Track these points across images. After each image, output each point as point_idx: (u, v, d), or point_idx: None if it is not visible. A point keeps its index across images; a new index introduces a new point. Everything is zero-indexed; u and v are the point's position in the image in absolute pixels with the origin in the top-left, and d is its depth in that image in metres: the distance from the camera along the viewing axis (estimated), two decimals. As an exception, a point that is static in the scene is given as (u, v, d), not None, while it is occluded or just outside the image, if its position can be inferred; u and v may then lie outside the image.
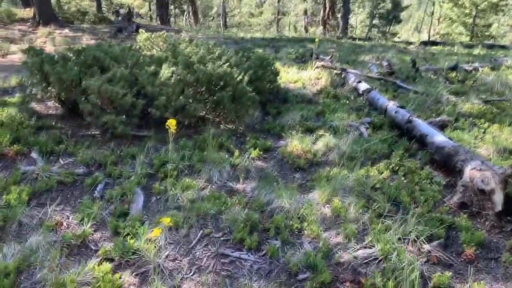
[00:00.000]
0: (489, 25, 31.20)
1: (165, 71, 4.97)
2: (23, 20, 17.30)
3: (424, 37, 29.78)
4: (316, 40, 9.96)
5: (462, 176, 3.85)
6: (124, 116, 4.89)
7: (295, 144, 5.05)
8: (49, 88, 5.52)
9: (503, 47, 18.14)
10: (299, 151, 4.94)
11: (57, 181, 4.13)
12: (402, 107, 5.78)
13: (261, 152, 4.96)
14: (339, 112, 6.10)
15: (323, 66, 8.65)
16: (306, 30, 32.62)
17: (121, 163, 4.63)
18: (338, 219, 3.71)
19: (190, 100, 5.31)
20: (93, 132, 5.26)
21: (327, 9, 28.09)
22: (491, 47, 17.60)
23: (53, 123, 5.48)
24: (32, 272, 2.97)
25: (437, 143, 4.51)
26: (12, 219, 3.48)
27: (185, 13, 38.69)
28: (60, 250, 3.16)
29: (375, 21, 31.53)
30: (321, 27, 29.30)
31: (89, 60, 5.18)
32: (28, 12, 17.74)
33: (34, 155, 4.62)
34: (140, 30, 7.00)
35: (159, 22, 23.49)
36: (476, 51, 14.43)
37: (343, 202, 3.87)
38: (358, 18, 39.99)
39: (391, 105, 5.94)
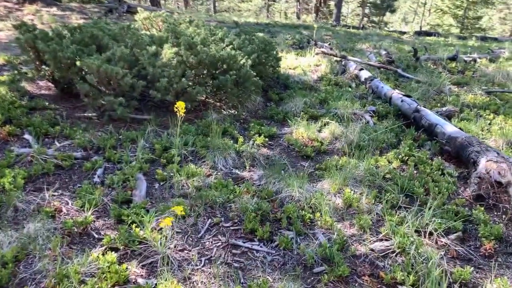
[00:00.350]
0: (479, 18, 31.35)
1: (168, 52, 4.74)
2: (8, -3, 16.65)
3: (412, 27, 29.71)
4: (315, 26, 9.76)
5: (477, 167, 3.76)
6: (122, 98, 4.65)
7: (300, 131, 4.90)
8: (43, 66, 5.24)
9: (495, 39, 18.23)
10: (305, 139, 4.79)
11: (54, 165, 3.90)
12: (408, 96, 5.67)
13: (266, 139, 4.79)
14: (343, 100, 5.95)
15: (323, 52, 8.48)
16: (298, 17, 32.28)
17: (120, 147, 4.42)
18: (350, 209, 3.59)
19: (191, 83, 5.10)
20: (89, 114, 5.02)
21: (320, -4, 27.83)
22: (483, 39, 17.67)
23: (46, 103, 5.21)
24: (31, 262, 2.77)
25: (448, 133, 4.41)
26: (7, 204, 3.26)
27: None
28: (61, 238, 2.96)
29: (367, 10, 31.35)
30: (313, 14, 29.04)
31: (86, 38, 4.91)
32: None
33: (27, 136, 4.38)
34: (139, 9, 6.71)
35: (149, 4, 22.93)
36: (470, 43, 14.41)
37: (355, 192, 3.74)
38: (350, 7, 39.80)
39: (396, 94, 5.82)
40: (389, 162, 4.30)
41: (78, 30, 5.33)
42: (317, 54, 8.62)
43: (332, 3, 30.80)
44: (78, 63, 4.61)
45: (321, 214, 3.40)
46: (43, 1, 15.54)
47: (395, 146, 4.70)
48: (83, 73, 4.74)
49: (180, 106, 3.28)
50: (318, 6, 27.52)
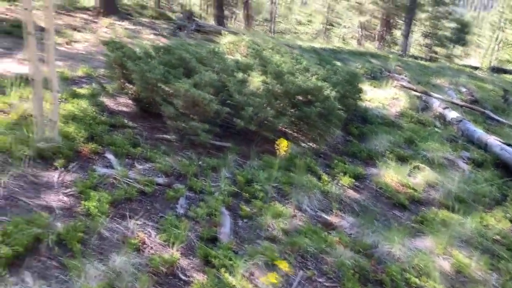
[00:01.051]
0: (554, 56, 29.50)
1: (255, 80, 4.56)
2: (85, 9, 17.51)
3: (484, 62, 28.37)
4: (390, 57, 9.36)
5: None
6: (206, 123, 4.50)
7: (390, 174, 4.51)
8: (126, 84, 5.22)
9: None
10: (395, 184, 4.40)
11: (136, 190, 3.75)
12: (508, 144, 5.14)
13: (353, 180, 4.45)
14: (431, 141, 5.50)
15: (402, 86, 8.05)
16: (359, 43, 31.79)
17: (201, 174, 4.22)
18: (459, 276, 3.15)
19: (274, 113, 4.88)
20: (169, 136, 4.89)
21: (385, 24, 27.24)
22: None
23: (125, 121, 5.14)
24: (117, 302, 2.58)
25: None
26: (92, 231, 3.11)
27: (234, 15, 38.61)
28: (147, 276, 2.75)
29: (429, 41, 30.33)
30: (375, 42, 28.45)
31: (173, 60, 4.84)
32: (89, 0, 17.94)
33: (109, 156, 4.27)
34: (223, 32, 6.66)
35: (214, 23, 23.41)
36: (553, 84, 13.36)
37: (463, 255, 3.30)
38: (414, 36, 38.81)
39: (493, 140, 5.31)
40: (496, 221, 3.82)
41: (164, 50, 5.28)
42: (394, 86, 8.21)
43: (396, 32, 30.08)
44: (163, 85, 4.52)
45: (428, 279, 3.00)
46: (117, 14, 16.16)
47: (499, 201, 4.21)
48: (168, 95, 4.64)
49: (282, 144, 3.04)
50: (382, 34, 26.93)
